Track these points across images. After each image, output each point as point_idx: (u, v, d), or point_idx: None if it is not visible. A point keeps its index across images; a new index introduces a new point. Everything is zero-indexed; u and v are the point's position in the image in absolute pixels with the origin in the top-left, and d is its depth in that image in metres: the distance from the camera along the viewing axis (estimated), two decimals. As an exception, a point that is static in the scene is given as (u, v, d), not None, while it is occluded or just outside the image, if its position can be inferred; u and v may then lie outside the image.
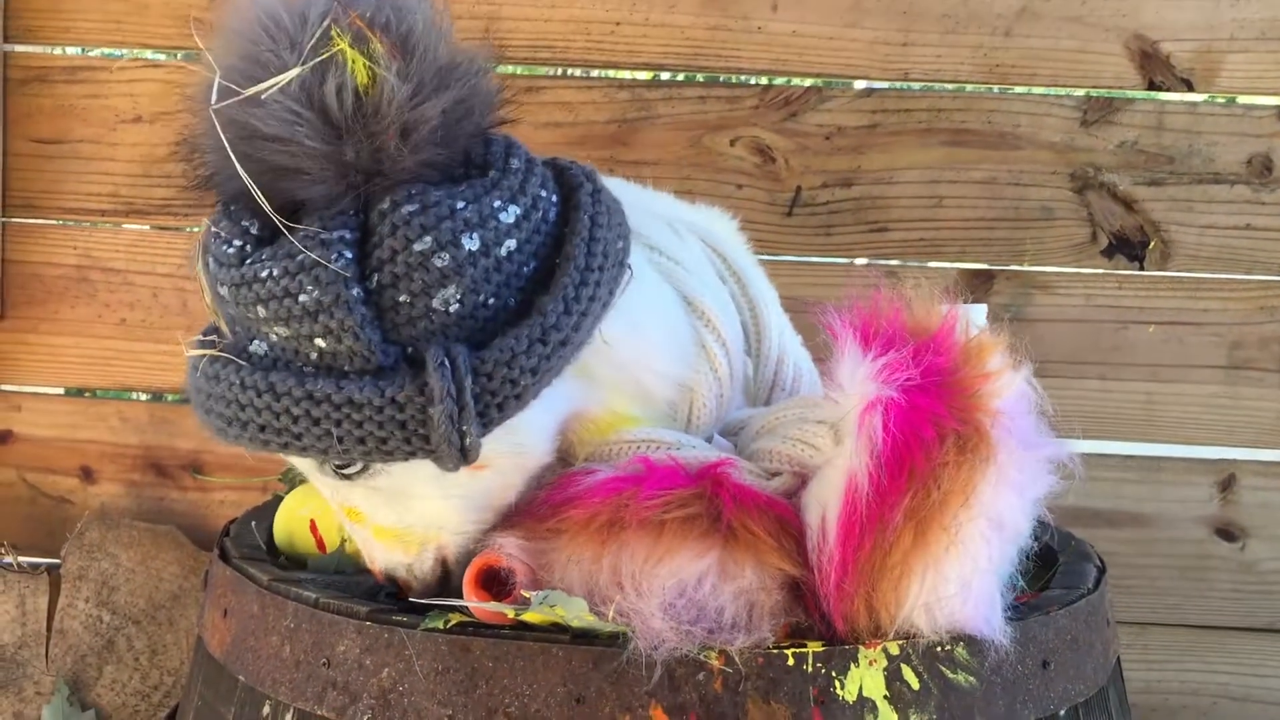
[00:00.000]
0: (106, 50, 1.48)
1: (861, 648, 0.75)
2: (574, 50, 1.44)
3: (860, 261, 1.47)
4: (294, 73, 0.72)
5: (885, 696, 0.75)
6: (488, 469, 0.78)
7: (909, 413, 0.75)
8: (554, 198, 0.79)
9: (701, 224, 0.98)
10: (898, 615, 0.75)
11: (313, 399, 0.72)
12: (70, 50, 1.49)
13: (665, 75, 1.46)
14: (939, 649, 0.76)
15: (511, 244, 0.74)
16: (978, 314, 0.96)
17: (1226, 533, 1.46)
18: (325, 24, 0.72)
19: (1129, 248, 1.44)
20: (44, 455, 1.52)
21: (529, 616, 0.75)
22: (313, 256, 0.71)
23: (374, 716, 0.76)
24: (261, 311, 0.73)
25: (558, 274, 0.76)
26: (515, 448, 0.79)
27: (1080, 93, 1.43)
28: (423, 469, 0.76)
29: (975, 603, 0.76)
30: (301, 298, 0.71)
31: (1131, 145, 1.43)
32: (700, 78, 1.46)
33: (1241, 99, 1.44)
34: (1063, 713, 0.81)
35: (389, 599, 0.83)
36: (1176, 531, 1.46)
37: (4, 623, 1.43)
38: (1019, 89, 1.43)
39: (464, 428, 0.72)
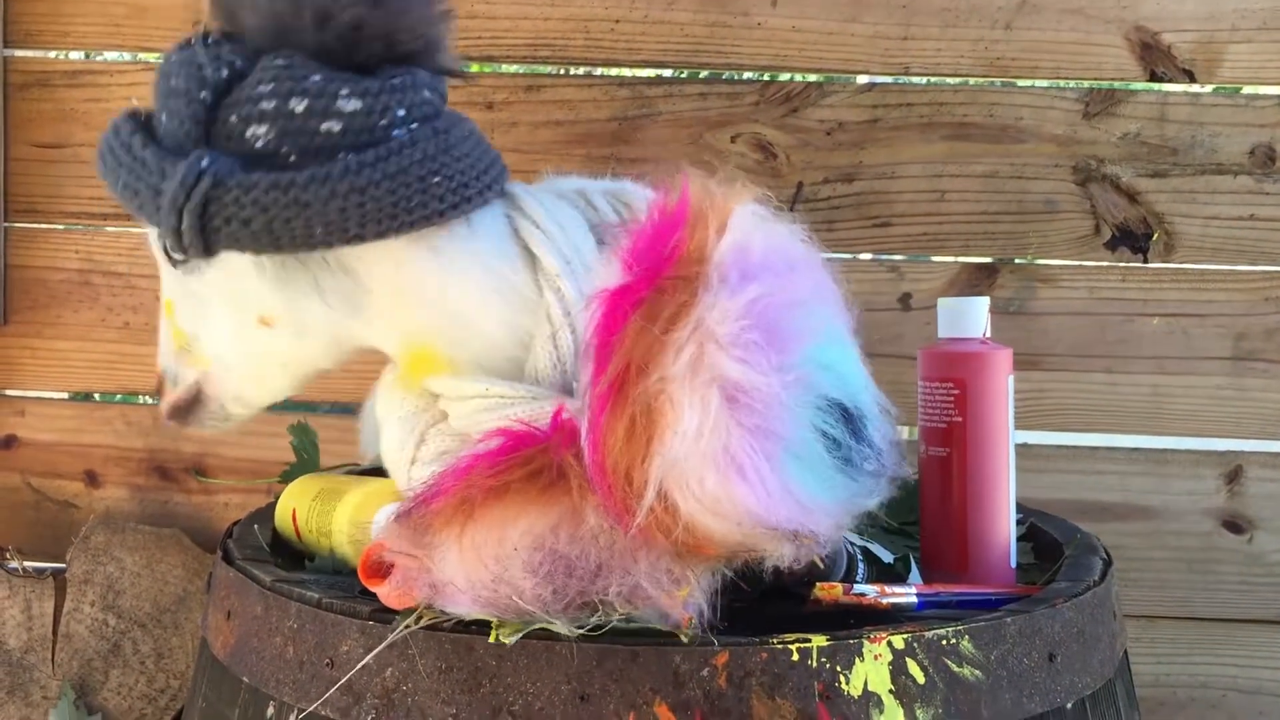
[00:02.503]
0: (107, 54, 1.48)
1: (866, 641, 0.75)
2: (574, 49, 1.44)
3: (864, 257, 1.46)
4: None
5: (891, 691, 0.74)
6: (272, 328, 0.91)
7: (613, 299, 0.73)
8: (408, 127, 0.87)
9: (623, 189, 1.02)
10: (645, 505, 0.68)
11: (129, 149, 0.87)
12: (72, 55, 1.49)
13: (667, 72, 1.46)
14: (944, 642, 0.76)
15: (335, 125, 0.84)
16: (980, 307, 0.95)
17: (1234, 525, 1.45)
18: None
19: (1133, 240, 1.43)
20: (48, 460, 1.52)
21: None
22: (200, 59, 0.87)
23: (378, 716, 0.76)
24: (158, 78, 0.89)
25: (334, 158, 0.85)
26: (298, 326, 0.90)
27: (1082, 85, 1.42)
28: (229, 292, 0.90)
29: (736, 476, 0.68)
30: (174, 80, 0.87)
31: (1134, 137, 1.42)
32: (703, 74, 1.46)
33: (1244, 89, 1.43)
34: (1070, 706, 0.81)
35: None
36: (1183, 524, 1.45)
37: (10, 627, 1.43)
38: (1021, 82, 1.43)
39: (183, 211, 0.84)
